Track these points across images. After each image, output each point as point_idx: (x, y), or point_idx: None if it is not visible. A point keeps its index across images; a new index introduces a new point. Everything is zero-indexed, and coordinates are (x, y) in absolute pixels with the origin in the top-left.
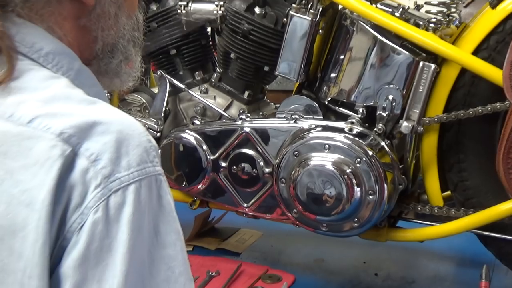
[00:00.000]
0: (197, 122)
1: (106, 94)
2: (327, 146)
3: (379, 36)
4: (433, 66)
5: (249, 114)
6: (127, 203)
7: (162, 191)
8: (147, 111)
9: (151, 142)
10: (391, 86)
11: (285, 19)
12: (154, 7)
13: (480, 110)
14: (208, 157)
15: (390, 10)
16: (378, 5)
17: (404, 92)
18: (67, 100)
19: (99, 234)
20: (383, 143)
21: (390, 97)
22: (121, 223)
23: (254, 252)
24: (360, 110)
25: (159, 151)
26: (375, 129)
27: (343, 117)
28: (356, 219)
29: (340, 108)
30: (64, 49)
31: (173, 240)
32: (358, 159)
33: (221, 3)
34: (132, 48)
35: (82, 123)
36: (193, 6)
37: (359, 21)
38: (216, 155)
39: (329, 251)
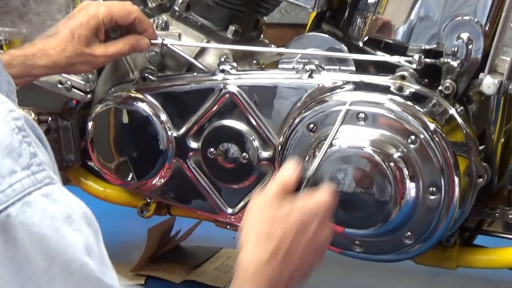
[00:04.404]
0: (151, 77)
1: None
2: (362, 115)
3: None
4: None
5: (235, 64)
6: None
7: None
8: None
9: (21, 128)
10: (466, 18)
11: None
12: None
13: None
14: (169, 133)
15: None
16: None
17: (487, 29)
18: None
19: None
20: (452, 111)
21: (465, 35)
22: None
23: None
24: (416, 57)
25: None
26: (440, 87)
27: (388, 69)
28: (409, 233)
29: (384, 54)
30: None
31: None
32: (413, 137)
33: None
34: None
35: None
36: None
37: None
38: (183, 130)
39: (365, 285)
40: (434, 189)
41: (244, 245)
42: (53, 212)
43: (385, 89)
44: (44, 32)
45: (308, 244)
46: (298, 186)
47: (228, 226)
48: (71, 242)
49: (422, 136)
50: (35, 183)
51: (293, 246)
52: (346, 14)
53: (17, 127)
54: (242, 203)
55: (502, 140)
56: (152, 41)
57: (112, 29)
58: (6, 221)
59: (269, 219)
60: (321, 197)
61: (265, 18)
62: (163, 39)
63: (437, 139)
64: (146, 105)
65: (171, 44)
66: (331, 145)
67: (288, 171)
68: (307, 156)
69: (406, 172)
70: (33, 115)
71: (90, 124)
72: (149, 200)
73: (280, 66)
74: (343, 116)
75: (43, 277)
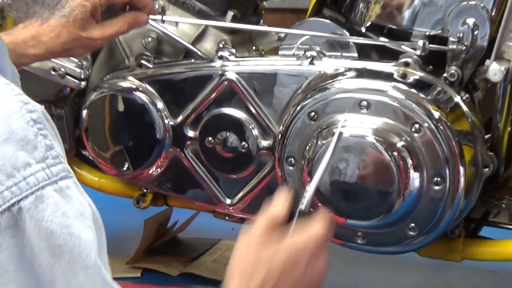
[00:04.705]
0: (147, 63)
1: None
2: (364, 103)
3: None
4: None
5: (234, 51)
6: None
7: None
8: None
9: (37, 121)
10: (472, 3)
11: None
12: None
13: None
14: (166, 121)
15: None
16: None
17: (493, 14)
18: None
19: None
20: (457, 99)
21: (470, 21)
22: None
23: None
24: (420, 43)
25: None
26: (445, 74)
27: (391, 55)
28: (412, 224)
29: (387, 40)
30: None
31: None
32: (417, 125)
33: None
34: None
35: None
36: None
37: None
38: (180, 118)
39: (368, 278)
40: (438, 179)
41: (226, 286)
42: (65, 208)
43: (388, 76)
44: (58, 13)
45: (299, 282)
46: (290, 217)
47: (227, 217)
48: (80, 241)
49: (426, 124)
50: (50, 177)
51: (279, 287)
52: None
53: (32, 119)
54: (241, 194)
55: (509, 128)
56: (151, 17)
57: (107, 8)
58: (17, 214)
59: (254, 258)
60: (313, 229)
61: (264, 2)
62: (163, 15)
63: (441, 127)
64: (142, 93)
65: (170, 26)
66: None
67: (278, 204)
68: (308, 146)
69: (410, 161)
70: None
71: (84, 112)
72: (145, 191)
73: (280, 52)
74: (336, 141)
75: (47, 276)
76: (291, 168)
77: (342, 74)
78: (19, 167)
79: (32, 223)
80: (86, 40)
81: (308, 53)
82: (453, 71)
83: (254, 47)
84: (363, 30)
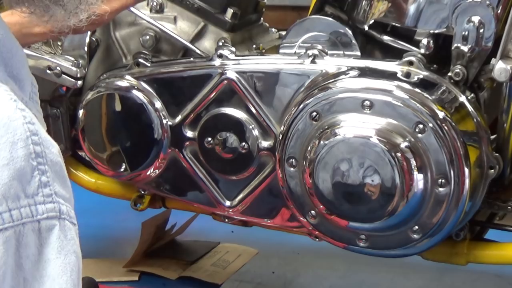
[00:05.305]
0: (145, 62)
1: None
2: (367, 103)
3: None
4: None
5: (234, 49)
6: None
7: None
8: (59, 44)
9: (39, 155)
10: (477, 0)
11: None
12: None
13: None
14: (164, 121)
15: None
16: None
17: (499, 11)
18: None
19: None
20: (462, 98)
21: (476, 19)
22: None
23: (244, 284)
24: (424, 41)
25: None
26: (450, 73)
27: (395, 54)
28: (416, 227)
29: (391, 38)
30: None
31: None
32: (421, 126)
33: None
34: None
35: None
36: None
37: None
38: (178, 118)
39: (371, 282)
40: (443, 180)
41: None
42: (33, 251)
43: (391, 75)
44: (77, 17)
45: None
46: None
47: (226, 220)
48: None
49: (430, 125)
50: (34, 215)
51: None
52: None
53: (35, 152)
54: (240, 195)
55: None
56: None
57: None
58: None
59: None
60: None
61: (265, 0)
62: None
63: (446, 128)
64: (140, 92)
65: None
66: None
67: None
68: (309, 146)
69: (413, 162)
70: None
71: (81, 112)
72: (143, 192)
73: (281, 51)
74: None
75: None
76: (292, 169)
77: (344, 73)
78: (8, 197)
79: (3, 256)
80: (93, 17)
81: (310, 52)
82: (458, 70)
83: (254, 46)
84: (366, 28)
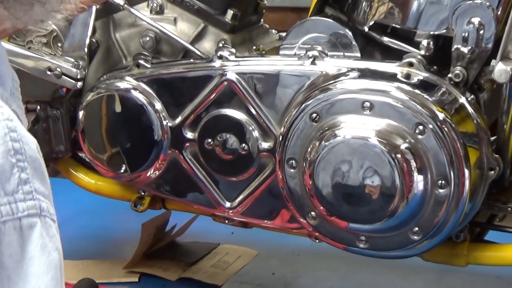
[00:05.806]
0: (145, 63)
1: None
2: (367, 104)
3: None
4: None
5: (234, 50)
6: None
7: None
8: (59, 45)
9: (18, 151)
10: (478, 1)
11: None
12: None
13: None
14: (164, 123)
15: None
16: None
17: (499, 13)
18: None
19: None
20: (462, 99)
21: (476, 20)
22: None
23: (244, 285)
24: (424, 42)
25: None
26: (450, 75)
27: (394, 55)
28: (416, 228)
29: (390, 40)
30: None
31: None
32: (421, 127)
33: None
34: None
35: None
36: None
37: None
38: (178, 119)
39: (371, 284)
40: (443, 182)
41: None
42: (16, 250)
43: (391, 77)
44: (58, 15)
45: None
46: None
47: (226, 221)
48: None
49: (430, 126)
50: (14, 213)
51: None
52: None
53: (14, 149)
54: (241, 197)
55: None
56: None
57: None
58: None
59: None
60: None
61: (265, 1)
62: None
63: (446, 129)
64: (140, 93)
65: None
66: None
67: None
68: (309, 148)
69: (413, 164)
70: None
71: (81, 113)
72: (143, 194)
73: (281, 52)
74: None
75: None
76: (292, 170)
77: (344, 74)
78: None
79: None
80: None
81: (310, 53)
82: (458, 72)
83: (254, 47)
84: (366, 29)
